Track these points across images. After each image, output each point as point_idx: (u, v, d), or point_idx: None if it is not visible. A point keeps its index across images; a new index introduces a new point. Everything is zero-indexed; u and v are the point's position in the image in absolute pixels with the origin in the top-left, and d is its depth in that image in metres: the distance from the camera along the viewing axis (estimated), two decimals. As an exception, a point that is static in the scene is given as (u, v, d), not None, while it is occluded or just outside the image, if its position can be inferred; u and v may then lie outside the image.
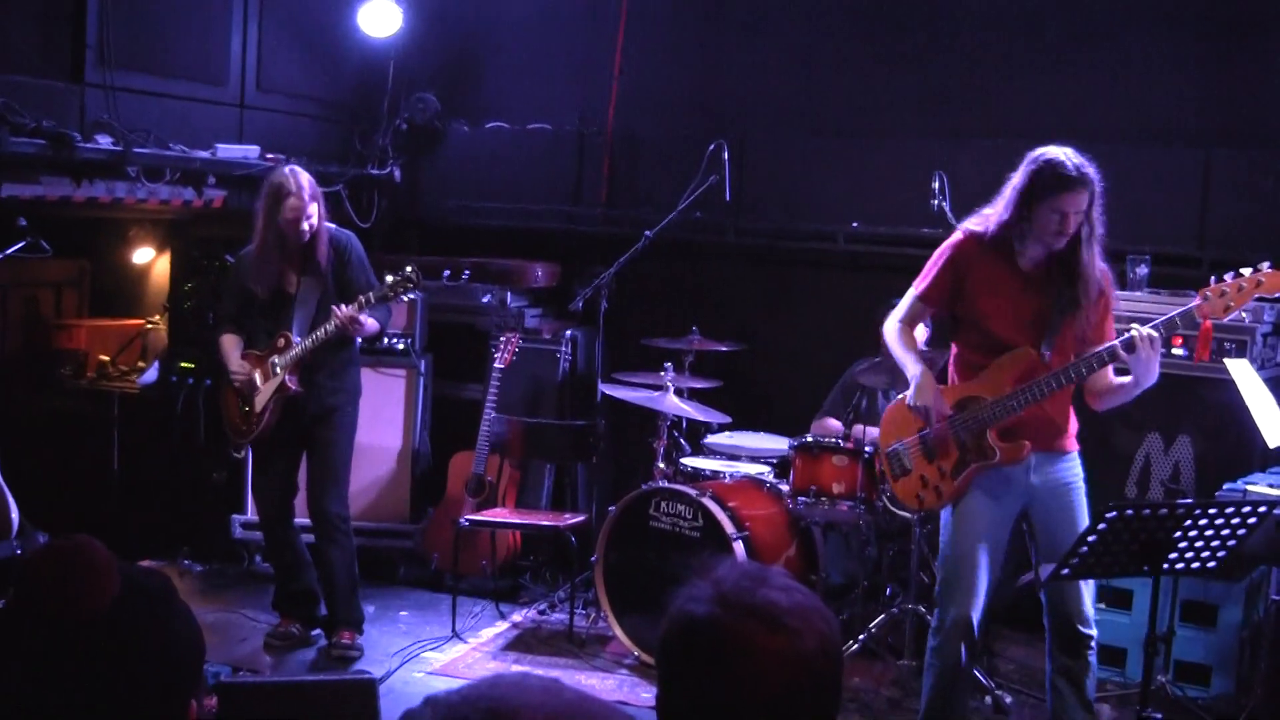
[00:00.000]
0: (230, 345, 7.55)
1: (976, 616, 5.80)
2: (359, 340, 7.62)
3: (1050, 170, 5.56)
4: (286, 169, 7.40)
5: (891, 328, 6.08)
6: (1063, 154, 5.58)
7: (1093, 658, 5.82)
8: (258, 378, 7.45)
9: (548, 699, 1.85)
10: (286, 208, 7.22)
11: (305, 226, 7.27)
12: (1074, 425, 5.87)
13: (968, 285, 5.83)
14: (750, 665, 2.28)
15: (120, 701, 2.25)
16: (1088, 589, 5.76)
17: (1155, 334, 5.42)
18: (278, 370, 7.38)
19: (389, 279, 7.26)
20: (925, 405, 5.87)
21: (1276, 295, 5.54)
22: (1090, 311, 5.66)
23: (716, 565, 2.45)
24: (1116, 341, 5.49)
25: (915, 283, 6.03)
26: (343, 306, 7.22)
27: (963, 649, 5.82)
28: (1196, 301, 5.40)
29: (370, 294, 7.28)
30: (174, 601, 2.39)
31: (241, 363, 7.48)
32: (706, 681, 2.31)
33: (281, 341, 7.41)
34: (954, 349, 6.02)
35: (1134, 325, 5.47)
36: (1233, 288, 5.34)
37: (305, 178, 7.32)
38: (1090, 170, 5.56)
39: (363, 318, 7.28)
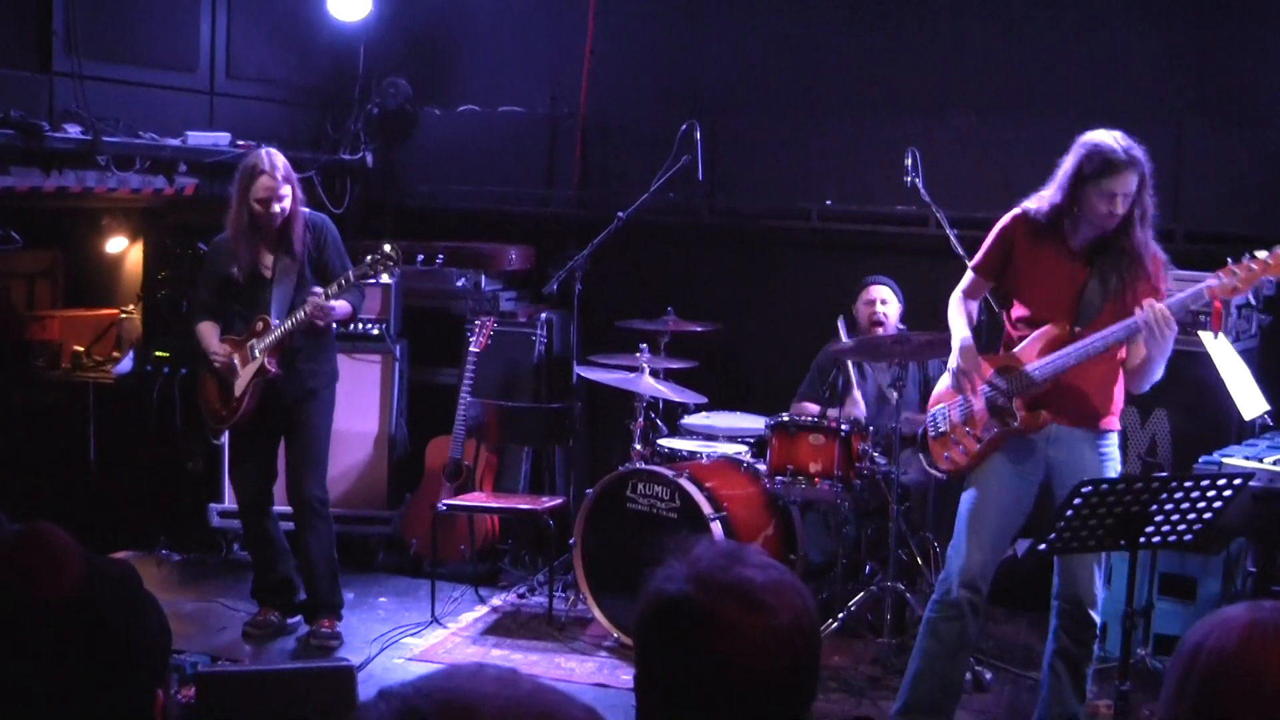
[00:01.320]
0: (208, 331, 7.52)
1: (984, 572, 5.88)
2: (334, 325, 7.60)
3: (1098, 154, 5.65)
4: (261, 150, 7.38)
5: (953, 299, 6.25)
6: (1111, 137, 5.68)
7: (1095, 645, 5.91)
8: (236, 362, 7.41)
9: (503, 689, 1.83)
10: (259, 187, 7.19)
11: (277, 208, 7.24)
12: (1115, 406, 5.90)
13: (1015, 261, 5.98)
14: (726, 643, 2.29)
15: (85, 689, 2.23)
16: (1099, 572, 5.82)
17: (1169, 313, 5.47)
18: (256, 354, 7.34)
19: (368, 258, 7.25)
20: (962, 369, 6.03)
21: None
22: (1136, 293, 5.69)
23: (694, 545, 2.46)
24: (1132, 319, 5.55)
25: (973, 258, 6.24)
26: (315, 292, 7.20)
27: (969, 615, 5.88)
28: (1210, 282, 5.47)
29: (350, 272, 7.28)
30: (139, 591, 2.37)
31: (221, 345, 7.44)
32: (683, 660, 2.32)
33: (260, 325, 7.37)
34: (1004, 321, 6.16)
35: (1147, 303, 5.50)
36: (1243, 269, 5.43)
37: (280, 159, 7.30)
38: (1138, 152, 5.65)
39: (332, 303, 7.26)
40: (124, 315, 9.93)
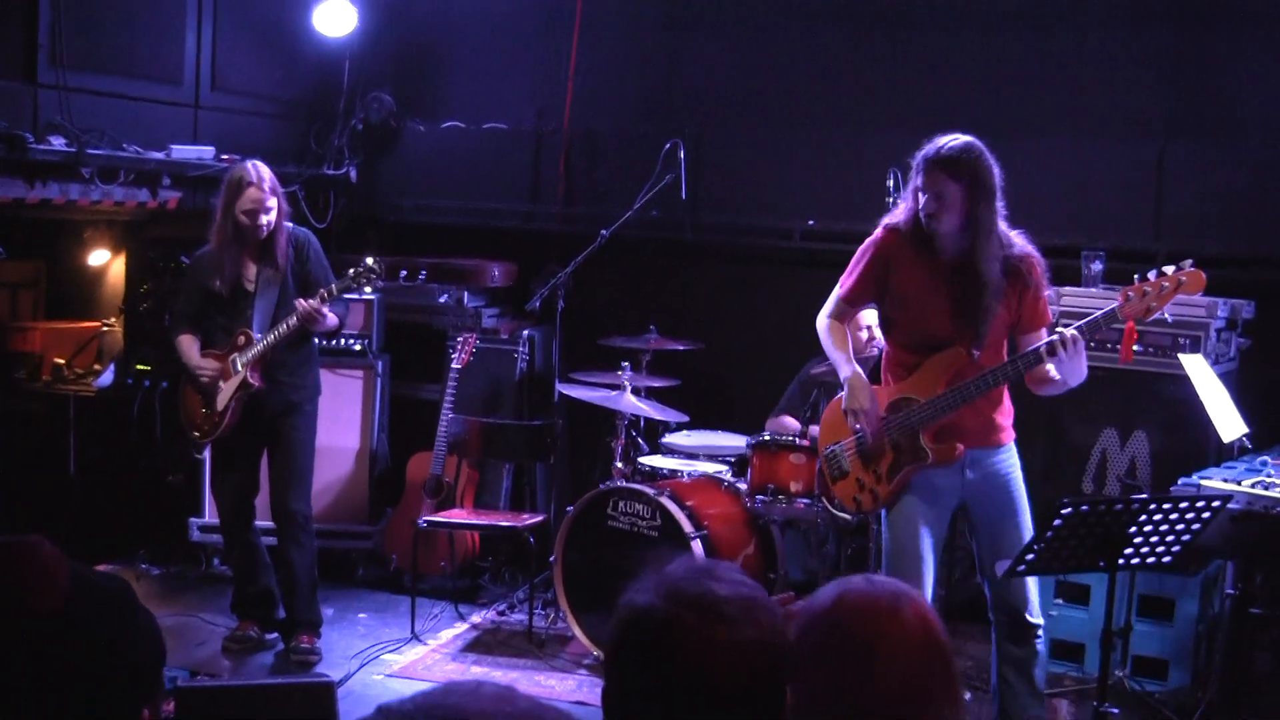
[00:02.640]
0: (189, 345, 7.48)
1: None
2: (316, 339, 7.59)
3: (919, 153, 5.62)
4: (247, 163, 7.35)
5: (822, 325, 6.10)
6: (942, 138, 5.62)
7: (1040, 646, 5.84)
8: (219, 375, 7.40)
9: (501, 706, 1.84)
10: (246, 198, 7.18)
11: (264, 220, 7.23)
12: (1009, 416, 5.87)
13: (892, 282, 5.83)
14: (686, 653, 2.29)
15: (68, 704, 2.22)
16: (1032, 579, 5.78)
17: (1078, 336, 5.42)
18: (239, 367, 7.33)
19: (351, 271, 7.24)
20: (858, 409, 5.87)
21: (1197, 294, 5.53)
22: (1010, 301, 5.66)
23: (671, 561, 2.48)
24: (1040, 345, 5.51)
25: (840, 281, 6.04)
26: (305, 300, 7.20)
27: None
28: (1119, 302, 5.41)
29: (333, 285, 7.27)
30: (131, 606, 2.35)
31: (206, 359, 7.42)
32: (645, 669, 2.33)
33: (242, 339, 7.36)
34: (886, 348, 6.03)
35: (1059, 327, 5.49)
36: (1154, 287, 5.34)
37: (266, 171, 7.30)
38: (955, 153, 5.55)
39: (325, 310, 7.24)
40: (106, 328, 9.91)
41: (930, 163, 5.56)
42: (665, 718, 2.31)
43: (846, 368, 5.94)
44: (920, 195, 5.59)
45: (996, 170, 5.63)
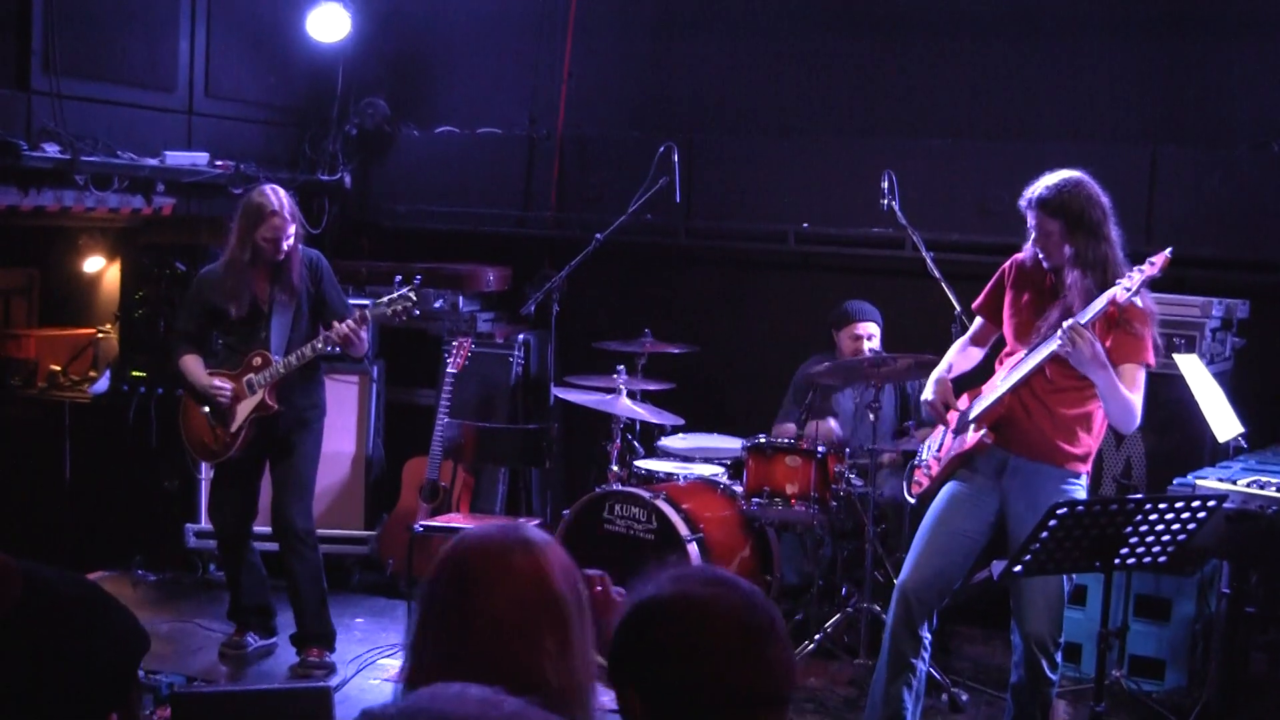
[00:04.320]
0: (196, 365, 7.40)
1: (917, 588, 5.92)
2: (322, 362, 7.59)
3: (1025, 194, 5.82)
4: (267, 188, 7.30)
5: (957, 341, 6.44)
6: (1048, 175, 5.85)
7: (1052, 695, 5.91)
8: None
9: (488, 710, 1.84)
10: (269, 226, 7.14)
11: (285, 245, 7.21)
12: (1076, 445, 5.84)
13: (1005, 301, 6.06)
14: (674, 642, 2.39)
15: (15, 709, 2.19)
16: (1058, 614, 5.81)
17: (1078, 324, 5.48)
18: (255, 389, 7.28)
19: (386, 298, 7.27)
20: (929, 400, 6.14)
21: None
22: (1099, 330, 5.64)
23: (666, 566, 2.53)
24: (1049, 339, 5.62)
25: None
26: (340, 324, 7.16)
27: (899, 618, 5.97)
28: (1115, 292, 5.50)
29: (369, 310, 7.26)
30: (94, 611, 2.30)
31: (220, 380, 7.33)
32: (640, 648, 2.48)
33: (258, 360, 7.30)
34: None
35: (1065, 323, 5.53)
36: (1139, 275, 5.51)
37: (285, 196, 7.28)
38: (1052, 192, 5.74)
39: (362, 333, 7.23)
40: (100, 335, 9.91)
41: (1032, 202, 5.78)
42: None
43: (939, 369, 6.26)
44: (1030, 233, 5.83)
45: (1102, 203, 5.77)
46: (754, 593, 2.51)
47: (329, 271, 7.58)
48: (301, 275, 7.38)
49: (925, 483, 6.19)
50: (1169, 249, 5.52)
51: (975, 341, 6.32)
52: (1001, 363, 6.04)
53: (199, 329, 7.50)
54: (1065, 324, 5.48)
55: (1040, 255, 5.80)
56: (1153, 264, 5.48)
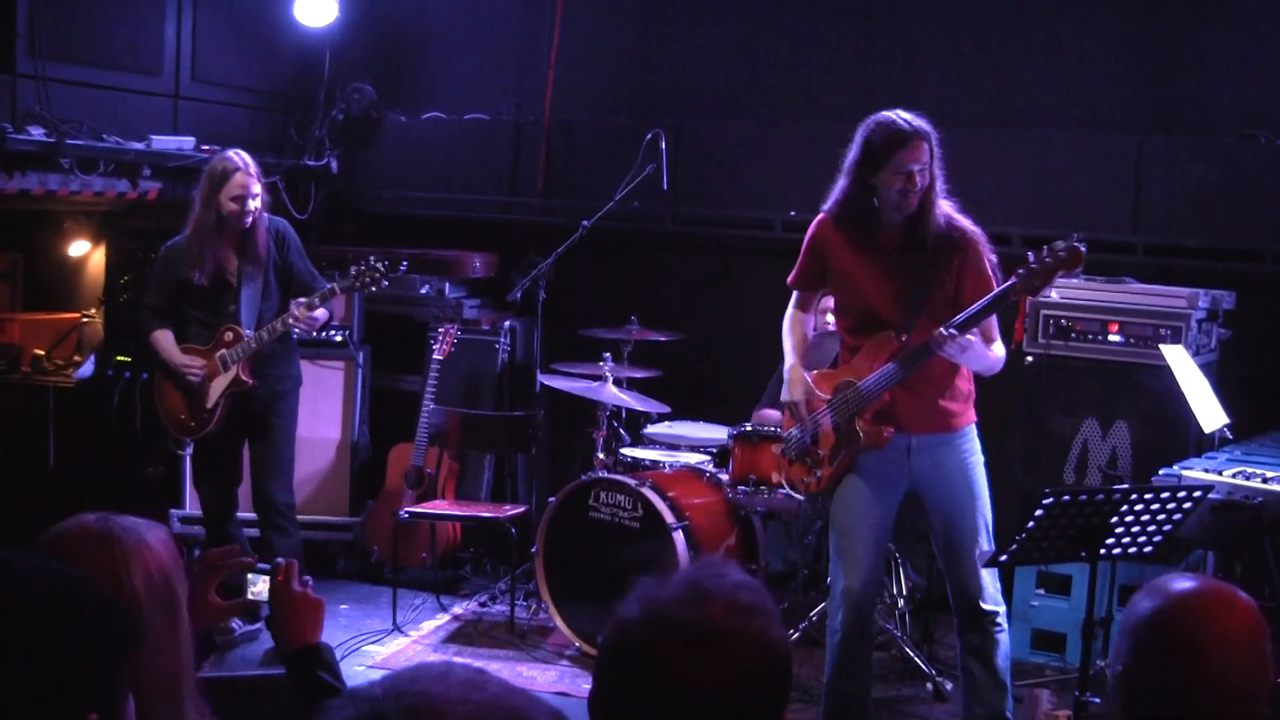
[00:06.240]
0: (167, 341, 7.42)
1: (863, 589, 5.84)
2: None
3: (882, 128, 5.63)
4: (230, 152, 7.31)
5: (786, 319, 6.20)
6: (893, 113, 5.64)
7: (1000, 635, 5.82)
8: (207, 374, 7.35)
9: (470, 693, 1.83)
10: (233, 184, 7.12)
11: (251, 206, 7.18)
12: (962, 400, 5.85)
13: (831, 266, 5.91)
14: (667, 682, 2.27)
15: None
16: (988, 570, 5.78)
17: (951, 333, 5.42)
18: (229, 365, 7.28)
19: (353, 269, 7.23)
20: (793, 400, 6.01)
21: (1076, 272, 5.52)
22: (949, 280, 5.67)
23: (669, 567, 2.48)
24: (929, 339, 5.51)
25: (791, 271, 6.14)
26: (299, 303, 7.14)
27: (856, 636, 5.88)
28: (1013, 282, 5.41)
29: (336, 285, 7.25)
30: (69, 604, 2.21)
31: (191, 357, 7.35)
32: (625, 694, 2.32)
33: (229, 335, 7.30)
34: (839, 331, 6.08)
35: (936, 331, 5.47)
36: (1040, 264, 5.33)
37: (250, 159, 7.26)
38: (924, 123, 5.61)
39: (316, 315, 7.24)
40: (85, 319, 9.88)
41: (908, 136, 5.57)
42: None
43: (788, 359, 6.08)
44: (897, 176, 5.57)
45: None
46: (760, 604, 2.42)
47: (295, 240, 7.58)
48: (268, 245, 7.37)
49: (814, 484, 6.02)
50: (1079, 241, 5.31)
51: (803, 309, 6.17)
52: (852, 335, 5.89)
53: (168, 303, 7.49)
54: (940, 336, 5.40)
55: (902, 194, 5.56)
56: (1059, 255, 5.28)
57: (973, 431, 5.90)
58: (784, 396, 6.06)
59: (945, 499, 5.83)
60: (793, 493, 6.55)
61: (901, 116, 5.61)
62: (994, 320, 5.69)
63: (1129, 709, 2.72)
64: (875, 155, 5.61)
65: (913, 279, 5.68)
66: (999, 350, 5.71)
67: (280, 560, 3.68)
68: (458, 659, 7.51)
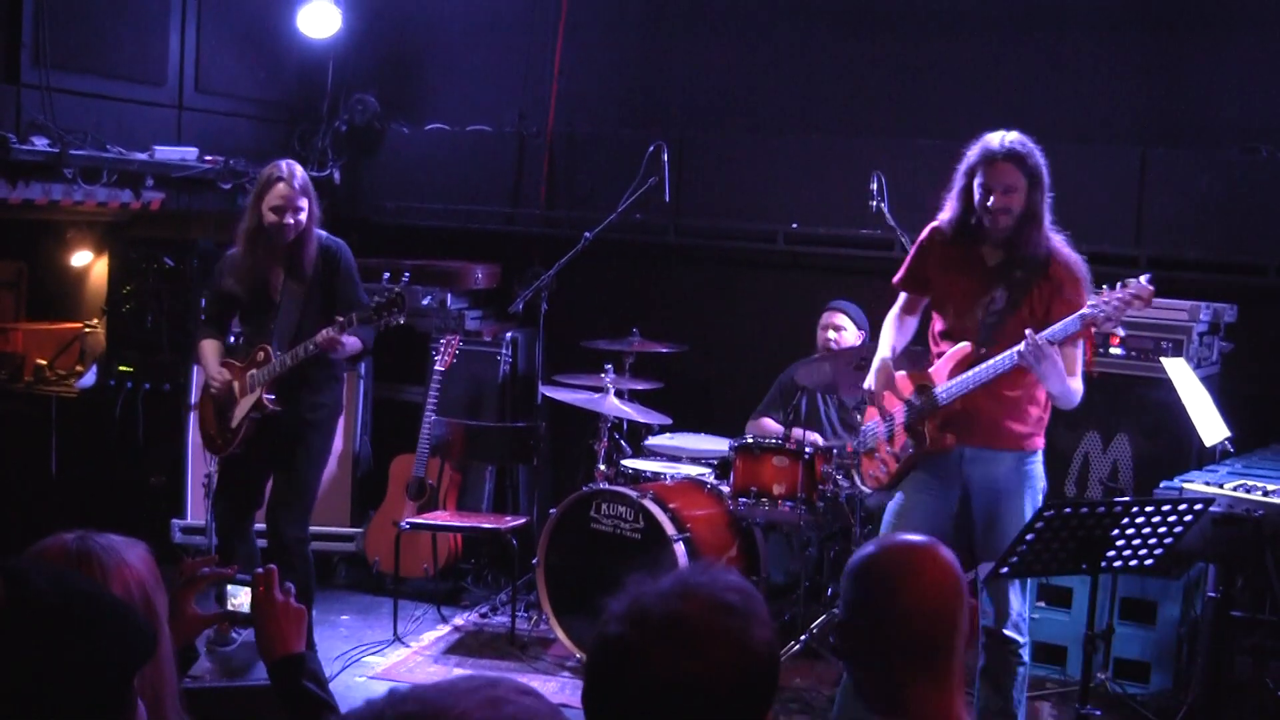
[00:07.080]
0: (210, 351, 7.23)
1: None
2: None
3: (978, 147, 5.70)
4: (282, 161, 7.09)
5: (887, 317, 6.27)
6: (998, 134, 5.70)
7: (1017, 665, 5.80)
8: (236, 389, 7.13)
9: (489, 713, 1.83)
10: (274, 194, 6.89)
11: (291, 219, 6.92)
12: (1026, 423, 5.84)
13: (930, 274, 5.99)
14: (649, 681, 2.28)
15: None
16: (1018, 592, 5.78)
17: (1036, 336, 5.45)
18: (255, 386, 7.05)
19: (375, 300, 6.95)
20: (872, 389, 6.07)
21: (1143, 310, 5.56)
22: (1039, 305, 5.69)
23: (656, 568, 2.48)
24: (1011, 350, 5.53)
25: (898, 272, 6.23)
26: (329, 328, 6.85)
27: None
28: (1087, 311, 5.42)
29: (353, 314, 6.91)
30: (84, 615, 2.20)
31: (221, 370, 7.14)
32: (609, 695, 2.36)
33: (260, 355, 7.07)
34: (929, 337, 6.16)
35: (1026, 333, 5.49)
36: (1113, 299, 5.36)
37: (299, 169, 7.04)
38: (1023, 148, 5.64)
39: (343, 339, 6.92)
40: (88, 329, 9.88)
41: (993, 155, 5.64)
42: None
43: (881, 352, 6.13)
44: (981, 191, 5.67)
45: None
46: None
47: (349, 261, 7.29)
48: (315, 263, 7.12)
49: (881, 477, 6.10)
50: (1150, 282, 5.36)
51: (908, 312, 6.23)
52: (937, 342, 5.98)
53: (218, 313, 7.37)
54: (1029, 339, 5.44)
55: (986, 211, 5.66)
56: (1125, 287, 5.35)
57: (1037, 458, 5.89)
58: (867, 384, 6.12)
59: (991, 515, 5.82)
60: (861, 485, 6.56)
61: (1001, 136, 5.69)
62: (1077, 355, 5.69)
63: (843, 643, 2.98)
64: (969, 170, 5.74)
65: (1002, 302, 5.74)
66: (1077, 385, 5.69)
67: (260, 570, 3.66)
68: (458, 670, 7.51)
